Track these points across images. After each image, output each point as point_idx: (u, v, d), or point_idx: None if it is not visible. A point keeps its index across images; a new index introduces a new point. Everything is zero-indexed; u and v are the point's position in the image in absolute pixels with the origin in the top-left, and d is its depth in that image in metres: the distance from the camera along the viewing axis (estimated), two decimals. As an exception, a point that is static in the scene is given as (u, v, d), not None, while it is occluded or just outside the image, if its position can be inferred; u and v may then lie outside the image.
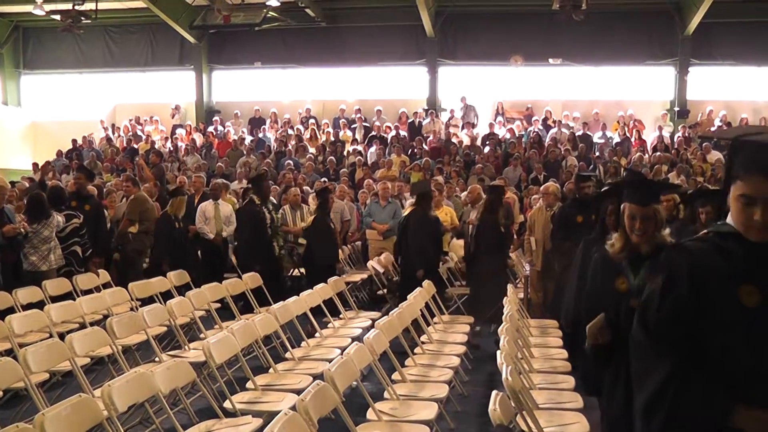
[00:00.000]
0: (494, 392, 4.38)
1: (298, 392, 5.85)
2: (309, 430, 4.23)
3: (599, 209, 6.14)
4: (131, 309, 8.45)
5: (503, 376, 4.77)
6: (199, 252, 11.77)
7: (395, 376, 6.31)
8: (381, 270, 11.12)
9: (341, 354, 7.18)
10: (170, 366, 5.22)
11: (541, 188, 11.21)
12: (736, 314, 2.38)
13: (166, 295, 8.80)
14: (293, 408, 5.40)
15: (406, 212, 10.33)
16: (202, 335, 7.93)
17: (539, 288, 10.03)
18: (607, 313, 3.63)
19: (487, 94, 22.23)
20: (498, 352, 5.58)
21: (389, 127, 21.14)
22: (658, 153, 18.49)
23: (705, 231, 2.64)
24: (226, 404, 5.50)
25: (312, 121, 21.80)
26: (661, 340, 2.46)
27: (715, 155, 17.61)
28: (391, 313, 7.20)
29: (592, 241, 5.81)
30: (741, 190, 2.43)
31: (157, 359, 6.74)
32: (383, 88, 22.84)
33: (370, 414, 5.34)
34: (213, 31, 22.15)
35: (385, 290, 10.96)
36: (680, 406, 2.38)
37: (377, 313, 9.30)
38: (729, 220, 2.52)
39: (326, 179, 16.18)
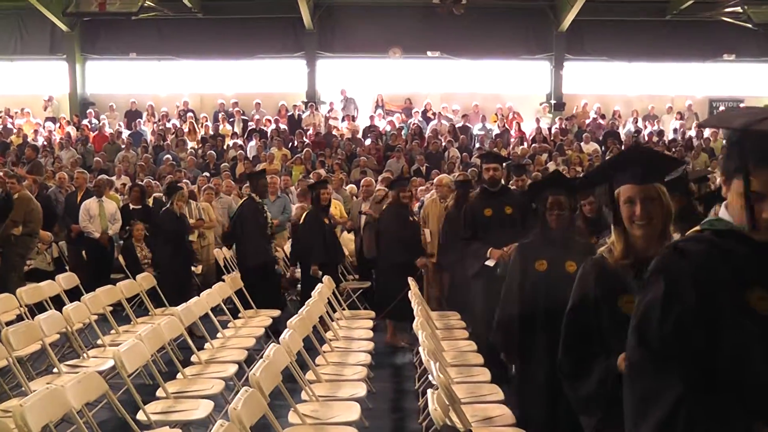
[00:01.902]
0: (429, 391, 4.35)
1: (212, 398, 5.70)
2: (245, 440, 4.09)
3: (536, 201, 4.81)
4: (18, 316, 8.01)
5: (434, 373, 4.75)
6: (84, 252, 11.30)
7: (309, 375, 6.20)
8: (275, 266, 10.94)
9: (247, 354, 7.09)
10: (81, 379, 4.89)
11: (435, 180, 11.22)
12: (748, 323, 2.13)
13: (55, 300, 8.39)
14: (211, 416, 5.30)
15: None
16: (99, 341, 7.60)
17: (435, 281, 10.02)
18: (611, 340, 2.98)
19: (366, 86, 22.31)
20: (420, 348, 5.57)
21: (269, 121, 20.89)
22: (536, 144, 19.08)
23: (697, 228, 2.38)
24: (140, 416, 5.21)
25: (190, 114, 21.29)
26: (669, 358, 2.20)
27: (592, 146, 18.45)
28: (300, 311, 7.08)
29: (530, 246, 4.84)
30: (750, 185, 2.15)
31: (55, 370, 6.38)
32: (262, 81, 22.55)
33: (292, 417, 5.22)
34: (87, 18, 21.11)
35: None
36: (696, 430, 2.12)
37: (275, 311, 9.14)
38: (723, 215, 2.28)
39: (208, 174, 15.82)
